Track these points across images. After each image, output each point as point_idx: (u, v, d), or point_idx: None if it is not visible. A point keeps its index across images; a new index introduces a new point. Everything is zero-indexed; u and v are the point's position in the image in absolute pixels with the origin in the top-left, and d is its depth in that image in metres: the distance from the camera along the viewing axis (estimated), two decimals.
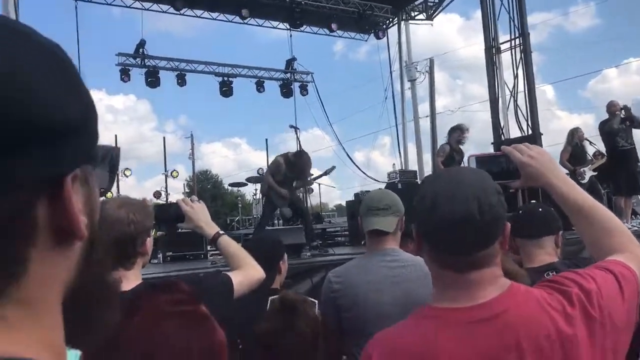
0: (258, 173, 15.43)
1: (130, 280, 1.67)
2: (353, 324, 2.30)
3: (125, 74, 14.84)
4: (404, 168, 14.67)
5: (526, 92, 10.92)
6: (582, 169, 8.51)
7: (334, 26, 14.91)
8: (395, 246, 2.42)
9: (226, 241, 2.04)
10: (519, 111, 11.05)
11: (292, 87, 17.12)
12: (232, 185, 18.26)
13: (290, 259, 3.15)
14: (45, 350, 0.46)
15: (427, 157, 14.84)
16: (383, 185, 11.39)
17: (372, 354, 1.17)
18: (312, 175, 8.47)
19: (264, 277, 2.03)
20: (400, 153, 15.96)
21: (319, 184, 14.34)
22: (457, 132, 8.45)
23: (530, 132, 10.68)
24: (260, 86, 17.01)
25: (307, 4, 13.76)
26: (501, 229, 1.13)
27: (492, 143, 11.49)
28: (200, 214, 2.03)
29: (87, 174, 0.51)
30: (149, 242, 1.76)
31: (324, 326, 1.99)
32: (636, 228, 7.61)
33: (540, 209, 2.60)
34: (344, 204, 14.10)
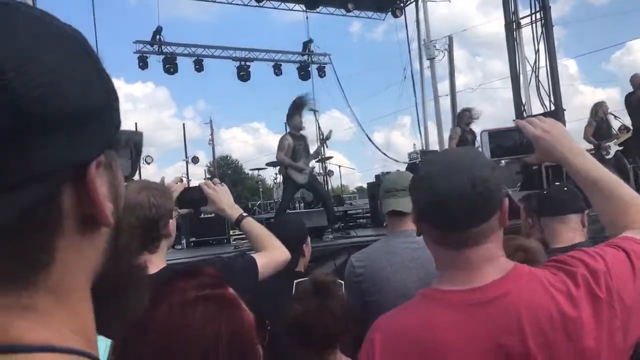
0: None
1: (155, 264, 1.69)
2: (377, 307, 2.29)
3: (143, 62, 14.90)
4: (424, 148, 14.57)
5: (548, 67, 10.65)
6: (607, 144, 8.35)
7: (350, 6, 14.75)
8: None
9: (250, 223, 2.02)
10: (540, 87, 10.82)
11: (309, 69, 17.03)
12: (252, 170, 18.32)
13: (313, 242, 3.14)
14: (76, 336, 0.46)
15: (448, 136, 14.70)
16: (404, 166, 11.33)
17: (375, 339, 1.15)
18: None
19: (289, 258, 2.02)
20: (420, 133, 15.87)
21: (339, 166, 14.33)
22: (466, 114, 8.66)
23: (552, 108, 10.47)
24: (277, 69, 16.95)
25: None
26: (498, 204, 1.10)
27: (513, 120, 11.24)
28: (223, 197, 2.00)
29: (111, 160, 0.51)
30: (172, 223, 1.76)
31: (350, 309, 1.98)
32: None
33: (565, 189, 2.58)
34: (364, 186, 14.04)
